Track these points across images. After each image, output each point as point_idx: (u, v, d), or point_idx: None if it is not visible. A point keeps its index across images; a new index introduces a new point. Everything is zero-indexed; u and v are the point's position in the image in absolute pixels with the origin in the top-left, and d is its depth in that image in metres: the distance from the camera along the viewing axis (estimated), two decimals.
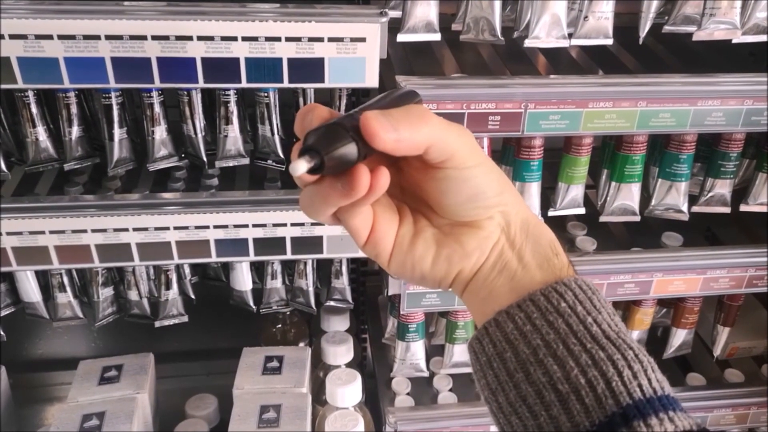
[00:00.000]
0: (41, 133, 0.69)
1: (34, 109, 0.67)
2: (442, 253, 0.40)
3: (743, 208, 0.81)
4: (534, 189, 0.76)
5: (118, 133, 0.69)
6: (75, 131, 0.69)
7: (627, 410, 0.33)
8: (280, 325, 0.99)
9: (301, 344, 0.97)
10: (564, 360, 0.35)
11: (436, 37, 0.69)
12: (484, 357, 0.38)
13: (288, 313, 0.97)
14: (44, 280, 0.78)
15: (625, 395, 0.33)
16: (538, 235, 0.40)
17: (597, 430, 0.33)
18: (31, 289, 0.76)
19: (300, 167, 0.33)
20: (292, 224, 0.72)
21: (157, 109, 0.69)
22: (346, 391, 0.79)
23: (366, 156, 0.35)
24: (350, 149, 0.34)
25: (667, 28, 0.72)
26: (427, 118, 0.35)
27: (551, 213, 0.79)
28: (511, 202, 0.40)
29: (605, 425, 0.33)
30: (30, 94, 0.66)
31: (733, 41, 0.72)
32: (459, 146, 0.37)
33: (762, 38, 0.72)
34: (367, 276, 1.03)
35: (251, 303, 0.83)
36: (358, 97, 0.85)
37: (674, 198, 0.79)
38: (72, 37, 0.60)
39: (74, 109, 0.68)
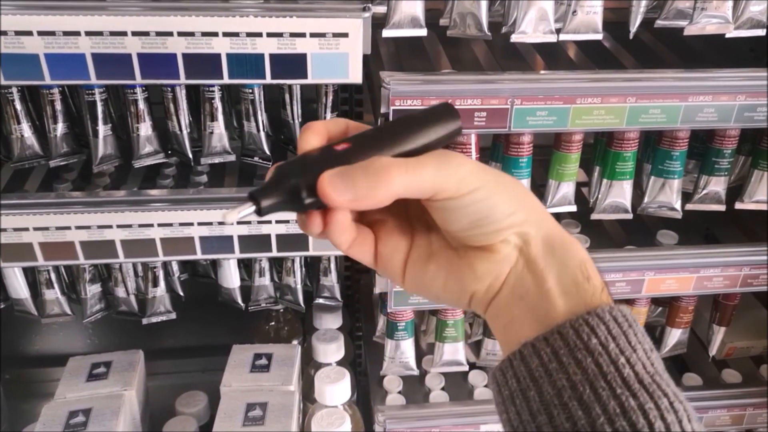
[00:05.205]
0: (26, 130, 0.69)
1: (18, 106, 0.67)
2: (453, 275, 0.38)
3: (738, 205, 0.80)
4: None
5: (103, 129, 0.69)
6: (60, 128, 0.69)
7: None
8: (273, 323, 0.98)
9: (295, 342, 0.97)
10: (590, 405, 0.32)
11: (422, 32, 0.68)
12: (507, 391, 0.35)
13: (281, 310, 0.97)
14: (32, 276, 0.78)
15: None
16: (564, 256, 0.36)
17: None
18: (18, 286, 0.76)
19: (230, 216, 0.33)
20: (277, 221, 0.72)
21: (141, 105, 0.69)
22: (335, 389, 0.79)
23: None
24: (292, 201, 0.34)
25: (659, 23, 0.70)
26: (388, 172, 0.33)
27: None
28: (529, 220, 0.37)
29: None
30: (14, 90, 0.66)
31: (727, 36, 0.70)
32: (441, 182, 0.34)
33: (757, 32, 0.71)
34: (362, 274, 1.03)
35: (239, 300, 0.83)
36: (351, 93, 0.84)
37: (667, 195, 0.78)
38: (52, 33, 0.60)
39: (58, 106, 0.68)
